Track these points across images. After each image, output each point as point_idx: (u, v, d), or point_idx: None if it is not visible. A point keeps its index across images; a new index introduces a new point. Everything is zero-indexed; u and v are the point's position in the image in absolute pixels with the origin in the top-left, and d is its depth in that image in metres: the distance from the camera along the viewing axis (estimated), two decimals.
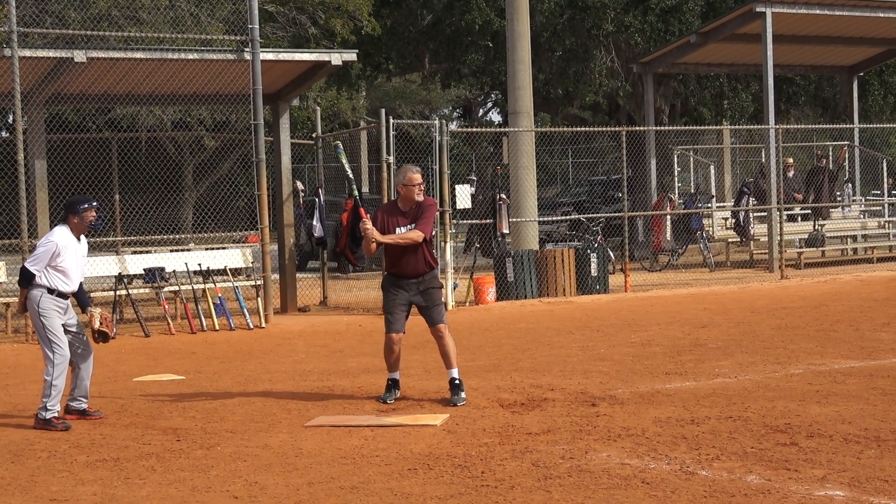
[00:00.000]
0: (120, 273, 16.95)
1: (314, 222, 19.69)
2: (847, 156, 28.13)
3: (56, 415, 9.46)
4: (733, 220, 25.07)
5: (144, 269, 17.24)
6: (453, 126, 44.26)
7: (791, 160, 25.87)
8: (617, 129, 22.96)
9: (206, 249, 19.81)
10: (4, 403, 10.82)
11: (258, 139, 16.97)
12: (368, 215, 10.05)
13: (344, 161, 10.64)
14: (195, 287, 17.01)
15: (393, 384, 10.16)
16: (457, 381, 9.95)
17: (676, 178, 27.05)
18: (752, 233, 24.55)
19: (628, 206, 21.34)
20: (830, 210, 25.88)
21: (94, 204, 9.82)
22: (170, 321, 16.48)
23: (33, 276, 9.58)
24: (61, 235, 9.65)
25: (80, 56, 15.97)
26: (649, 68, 27.32)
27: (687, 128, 30.24)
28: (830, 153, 27.73)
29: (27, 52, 15.95)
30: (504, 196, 19.93)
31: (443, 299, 10.52)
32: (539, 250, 19.99)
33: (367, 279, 23.66)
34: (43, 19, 19.14)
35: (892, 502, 6.38)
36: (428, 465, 7.63)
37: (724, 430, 8.32)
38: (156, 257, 18.19)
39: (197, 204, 33.86)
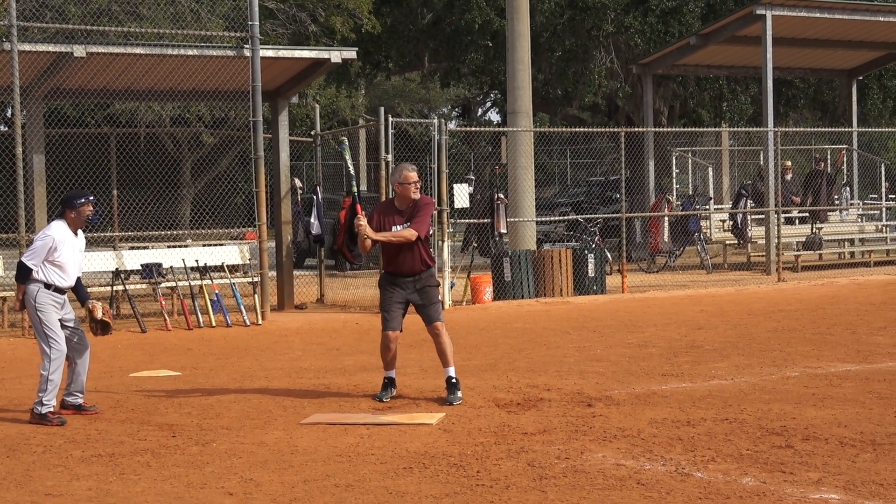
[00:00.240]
0: (117, 268, 16.94)
1: (312, 220, 19.69)
2: (845, 159, 28.14)
3: (52, 410, 9.46)
4: (731, 223, 25.09)
5: (141, 265, 17.24)
6: (452, 125, 44.27)
7: (789, 163, 25.88)
8: (616, 129, 22.97)
9: (204, 246, 19.80)
10: (0, 398, 10.81)
11: (257, 136, 16.96)
12: (364, 213, 10.05)
13: (347, 157, 10.66)
14: (192, 283, 17.00)
15: (389, 383, 10.16)
16: (453, 380, 9.95)
17: (674, 180, 27.05)
18: (749, 235, 24.57)
19: (626, 207, 21.35)
20: (828, 213, 25.89)
21: (92, 198, 9.80)
22: (166, 317, 16.47)
23: (30, 270, 9.57)
24: (58, 230, 9.64)
25: (79, 51, 15.95)
26: (649, 69, 27.33)
27: (686, 129, 30.27)
28: (829, 156, 27.75)
29: (27, 47, 15.93)
30: (502, 196, 19.93)
31: (440, 298, 10.52)
32: (536, 250, 19.99)
33: (364, 277, 23.67)
34: (43, 14, 19.12)
35: None
36: (423, 463, 7.63)
37: (720, 432, 8.32)
38: (153, 253, 18.17)
39: (195, 200, 33.85)
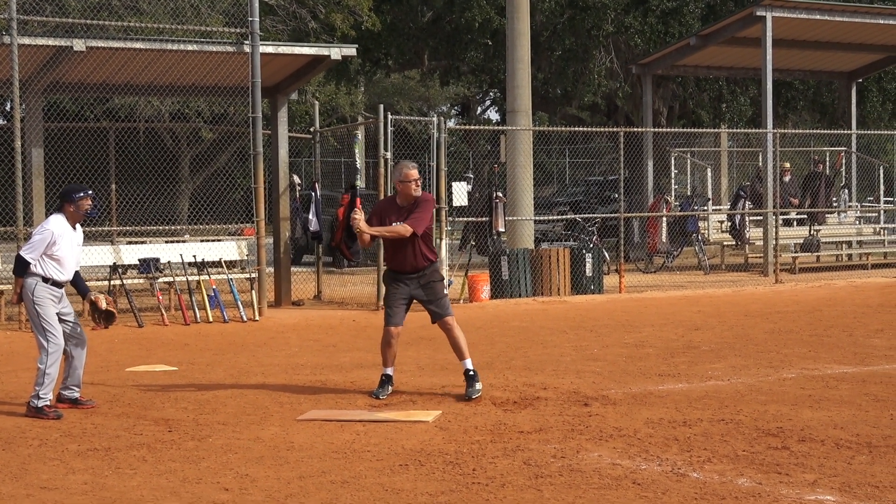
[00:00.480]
0: (115, 263, 16.93)
1: (310, 216, 19.69)
2: (844, 162, 28.16)
3: (48, 403, 9.45)
4: (729, 224, 25.10)
5: (139, 260, 17.24)
6: (451, 123, 44.25)
7: (788, 165, 25.90)
8: (615, 129, 22.97)
9: (202, 241, 19.79)
10: None
11: (256, 132, 16.96)
12: (362, 208, 10.06)
13: (357, 150, 10.73)
14: (189, 278, 17.00)
15: (387, 380, 10.15)
16: (472, 373, 9.96)
17: (673, 180, 27.07)
18: (747, 236, 24.58)
19: (624, 207, 21.35)
20: (826, 216, 25.91)
21: (91, 193, 9.79)
22: (163, 312, 16.47)
23: (28, 264, 9.56)
24: (57, 224, 9.63)
25: (79, 45, 15.95)
26: (648, 70, 27.34)
27: (685, 130, 30.30)
28: (827, 159, 27.76)
29: (26, 40, 15.93)
30: (500, 194, 19.93)
31: (446, 292, 10.52)
32: (534, 249, 19.99)
33: (361, 274, 23.67)
34: (43, 7, 19.10)
35: None
36: (419, 461, 7.63)
37: (716, 433, 8.33)
38: (151, 248, 18.17)
39: (193, 195, 33.88)
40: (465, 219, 21.14)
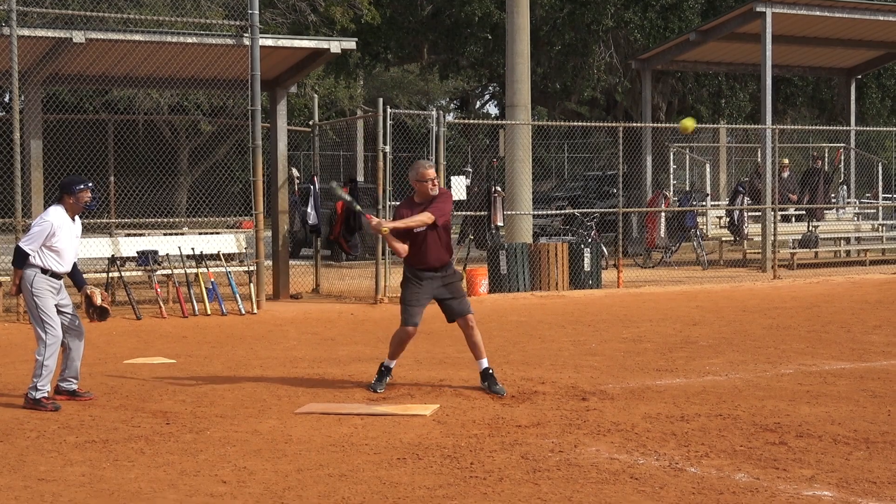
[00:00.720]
0: (113, 255, 16.92)
1: (309, 209, 19.68)
2: (843, 158, 28.17)
3: (46, 395, 9.45)
4: (727, 219, 25.10)
5: (137, 252, 17.23)
6: (450, 117, 44.23)
7: (787, 161, 25.89)
8: (614, 124, 22.96)
9: (200, 234, 19.79)
10: None
11: (255, 125, 16.95)
12: (370, 214, 10.06)
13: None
14: (188, 271, 16.98)
15: (386, 371, 10.13)
16: (491, 371, 9.99)
17: (672, 176, 27.07)
18: (745, 232, 24.59)
19: (623, 203, 21.35)
20: (824, 212, 25.92)
21: (90, 185, 9.78)
22: (162, 304, 16.46)
23: (27, 255, 9.55)
24: (56, 215, 9.63)
25: (78, 37, 15.93)
26: (648, 65, 27.33)
27: None
28: (826, 155, 27.77)
29: (26, 32, 15.90)
30: (499, 188, 19.93)
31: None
32: (533, 244, 19.99)
33: (360, 268, 23.66)
34: None
35: None
36: (417, 454, 7.63)
37: (714, 428, 8.33)
38: (149, 240, 18.16)
39: (192, 188, 33.88)
40: (464, 213, 21.13)
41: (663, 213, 24.11)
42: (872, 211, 27.87)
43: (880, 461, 7.35)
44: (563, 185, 40.87)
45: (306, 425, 8.62)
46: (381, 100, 18.38)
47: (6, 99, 31.12)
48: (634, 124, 24.71)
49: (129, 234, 19.99)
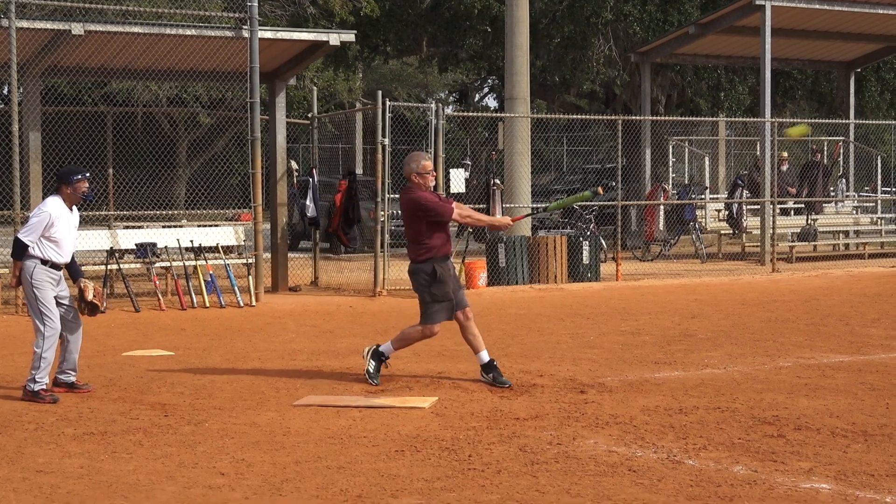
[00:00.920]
0: (111, 247, 16.92)
1: (307, 202, 19.67)
2: (842, 151, 28.16)
3: (44, 387, 9.44)
4: (726, 212, 25.09)
5: (136, 245, 17.22)
6: (449, 110, 44.20)
7: (786, 154, 25.89)
8: (613, 117, 22.95)
9: (199, 226, 19.78)
10: None
11: (254, 117, 16.94)
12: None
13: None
14: (186, 263, 16.98)
15: (385, 360, 10.10)
16: (495, 363, 9.99)
17: (671, 169, 27.06)
18: (744, 225, 24.59)
19: (622, 196, 21.34)
20: (823, 205, 25.91)
21: (87, 175, 9.77)
22: (160, 297, 16.46)
23: (27, 246, 9.54)
24: (54, 206, 9.61)
25: (77, 29, 15.91)
26: (647, 58, 27.30)
27: (683, 118, 30.25)
28: (825, 148, 27.76)
29: (24, 24, 15.88)
30: (498, 181, 19.92)
31: None
32: (531, 237, 19.99)
33: (358, 261, 23.65)
34: None
35: (877, 496, 6.40)
36: (415, 447, 7.63)
37: (712, 421, 8.34)
38: (148, 233, 18.15)
39: (190, 180, 33.86)
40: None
41: (662, 206, 24.10)
42: (871, 204, 27.87)
43: (878, 454, 7.35)
44: (561, 178, 40.86)
45: (304, 417, 8.62)
46: (379, 92, 18.37)
47: (5, 91, 31.12)
48: (633, 117, 24.69)
49: (127, 227, 19.97)
